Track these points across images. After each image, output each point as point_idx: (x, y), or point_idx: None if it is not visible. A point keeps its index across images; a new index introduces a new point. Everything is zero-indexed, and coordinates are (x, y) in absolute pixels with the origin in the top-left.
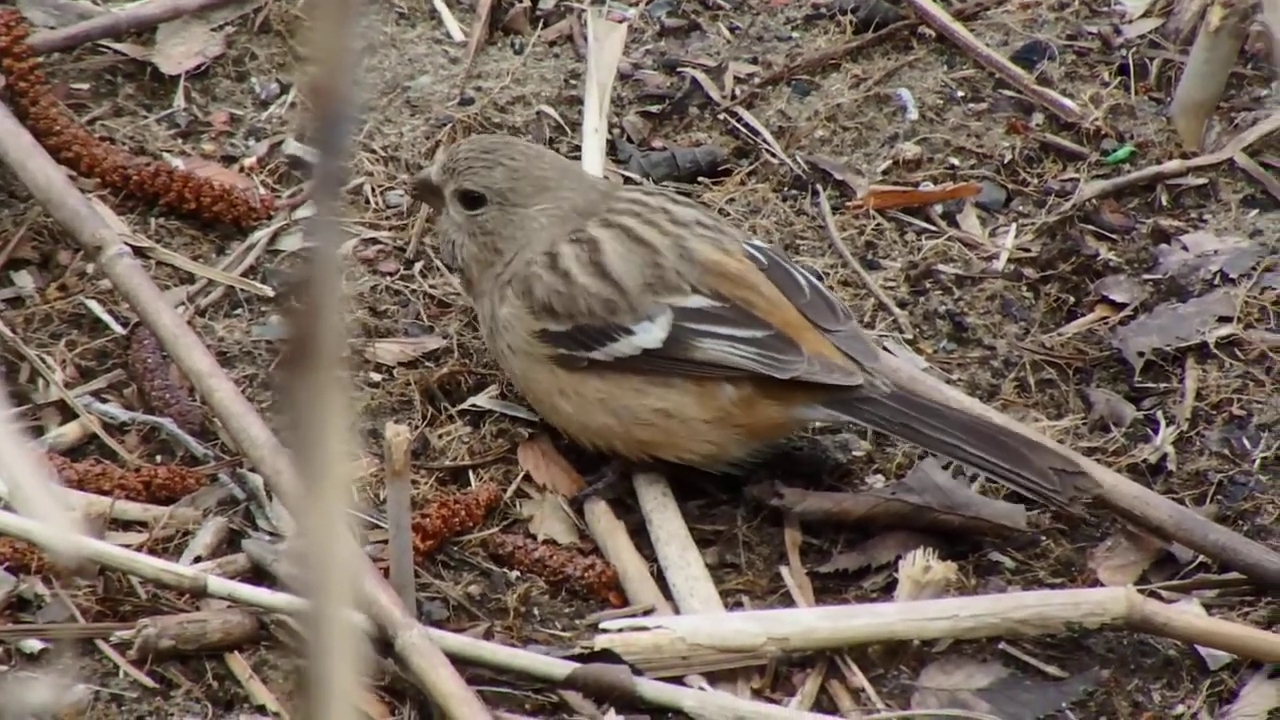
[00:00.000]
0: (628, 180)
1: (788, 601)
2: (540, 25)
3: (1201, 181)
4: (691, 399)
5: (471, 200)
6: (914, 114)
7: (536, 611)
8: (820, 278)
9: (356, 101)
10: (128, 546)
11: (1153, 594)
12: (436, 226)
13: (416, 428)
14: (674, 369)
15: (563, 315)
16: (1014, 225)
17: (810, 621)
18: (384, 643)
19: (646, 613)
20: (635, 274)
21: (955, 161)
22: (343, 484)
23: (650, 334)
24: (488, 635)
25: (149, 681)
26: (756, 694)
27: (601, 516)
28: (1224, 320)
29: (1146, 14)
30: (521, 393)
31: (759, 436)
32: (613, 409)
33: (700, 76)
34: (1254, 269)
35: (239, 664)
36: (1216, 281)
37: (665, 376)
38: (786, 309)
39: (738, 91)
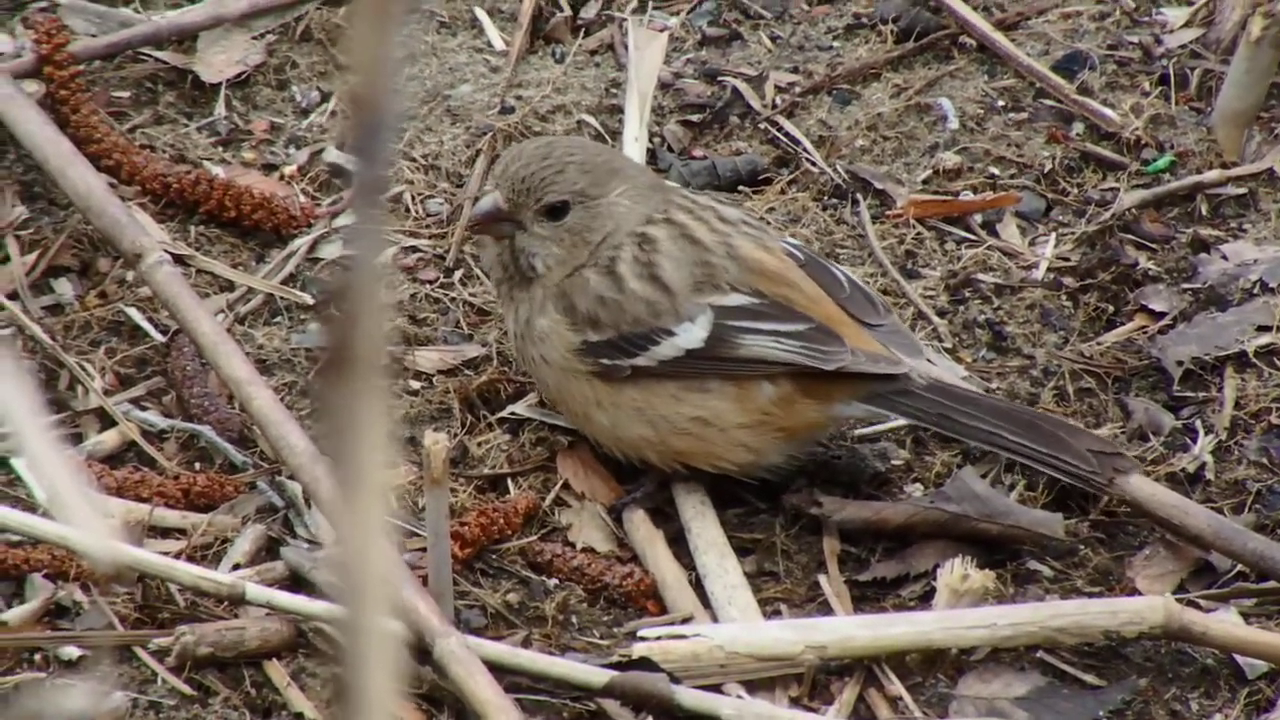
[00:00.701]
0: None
1: (826, 610)
2: (581, 34)
3: (1241, 191)
4: (730, 403)
5: (557, 211)
6: (954, 123)
7: (575, 619)
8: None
9: (397, 110)
10: (166, 554)
11: (1190, 603)
12: (516, 244)
13: (455, 436)
14: (715, 369)
15: (606, 325)
16: (1054, 235)
17: (848, 630)
18: (422, 650)
19: (685, 621)
20: (685, 275)
21: (995, 171)
22: (381, 492)
23: (691, 334)
24: (526, 643)
25: (187, 689)
26: (794, 702)
27: (640, 525)
28: (1263, 329)
29: (1187, 24)
30: (552, 402)
31: (796, 438)
32: (649, 419)
33: (741, 85)
34: None
35: (277, 671)
36: (1256, 291)
37: (703, 380)
38: (827, 304)
39: (778, 101)
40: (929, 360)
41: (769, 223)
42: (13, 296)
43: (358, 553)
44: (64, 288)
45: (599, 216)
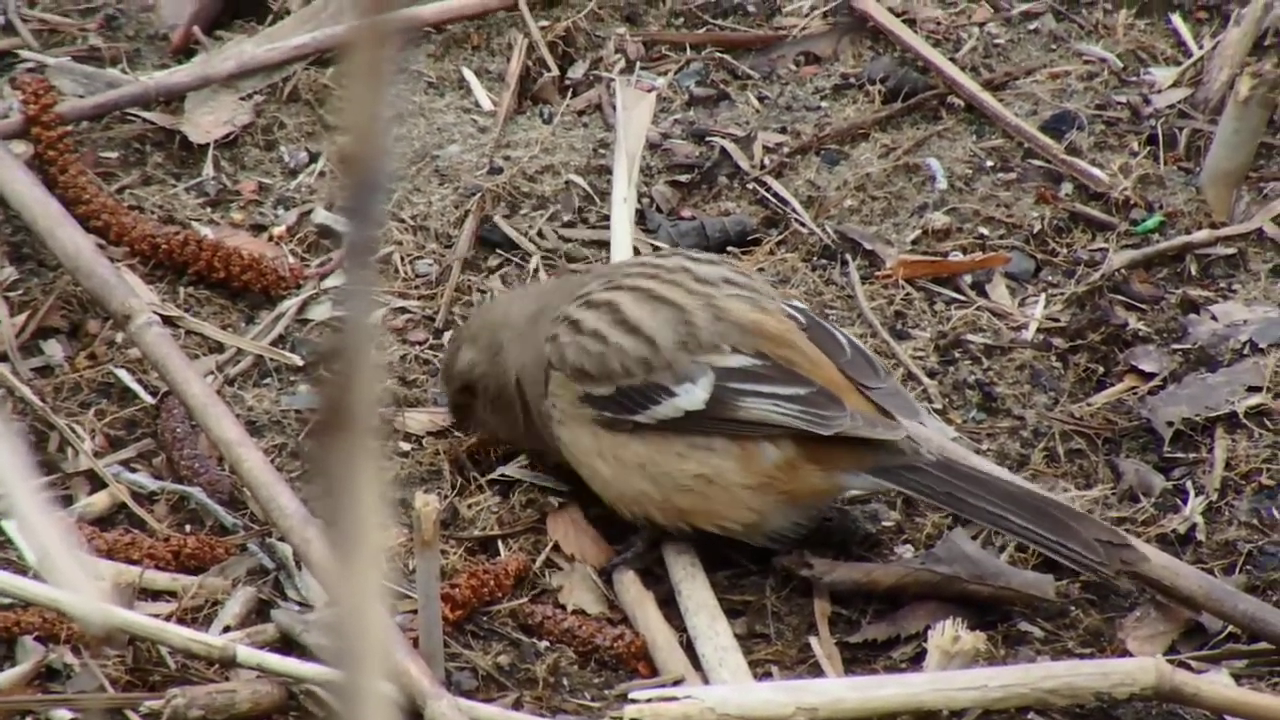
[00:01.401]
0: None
1: (817, 671)
2: (569, 94)
3: (1231, 251)
4: (733, 463)
5: (469, 389)
6: (943, 183)
7: (566, 681)
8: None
9: (387, 170)
10: (157, 616)
11: (1182, 664)
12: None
13: (446, 497)
14: (717, 429)
15: (600, 377)
16: (1043, 295)
17: (839, 692)
18: (414, 713)
19: (676, 683)
20: (666, 330)
21: (984, 231)
22: (376, 554)
23: (692, 395)
24: (517, 705)
25: None
26: None
27: (630, 586)
28: (1253, 390)
29: (1175, 84)
30: (567, 460)
31: (801, 503)
32: (652, 475)
33: (729, 146)
34: None
35: None
36: (1246, 351)
37: (707, 439)
38: (828, 367)
39: (767, 161)
40: (923, 423)
41: (768, 281)
42: (2, 358)
43: (353, 615)
44: (53, 349)
45: (504, 363)
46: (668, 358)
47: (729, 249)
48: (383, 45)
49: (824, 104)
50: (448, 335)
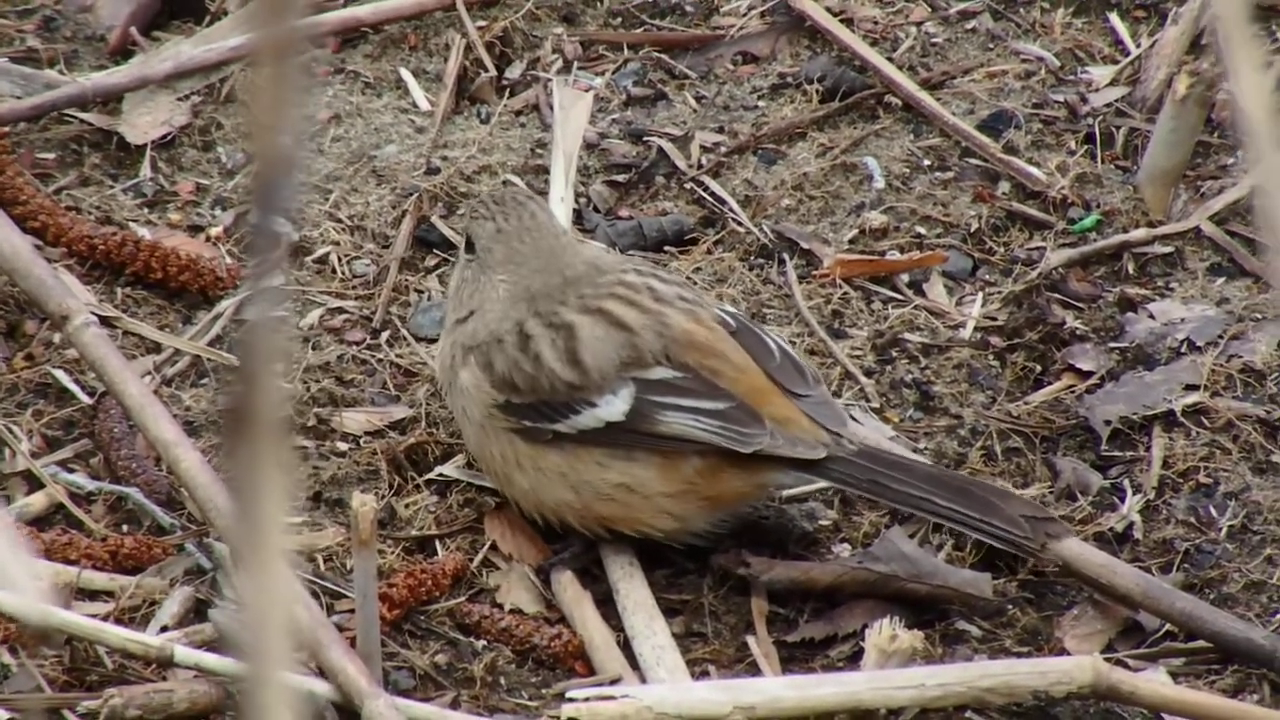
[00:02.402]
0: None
1: (754, 670)
2: (507, 94)
3: (1168, 250)
4: (654, 472)
5: (468, 245)
6: (880, 183)
7: (503, 681)
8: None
9: (294, 176)
10: (94, 616)
11: (1119, 662)
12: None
13: (383, 497)
14: (637, 442)
15: (525, 391)
16: (980, 294)
17: (777, 691)
18: (351, 712)
19: (613, 682)
20: (610, 358)
21: (922, 230)
22: (280, 551)
23: (613, 406)
24: (454, 704)
25: None
26: None
27: (568, 586)
28: (1191, 388)
29: (1113, 83)
30: (475, 459)
31: (724, 506)
32: (573, 484)
33: (667, 145)
34: (1220, 337)
35: None
36: (1183, 350)
37: (628, 449)
38: (754, 374)
39: (704, 160)
40: (854, 419)
41: (696, 285)
42: None
43: (258, 610)
44: None
45: (480, 283)
46: (598, 380)
47: (666, 249)
48: (286, 54)
49: (761, 103)
50: (385, 335)
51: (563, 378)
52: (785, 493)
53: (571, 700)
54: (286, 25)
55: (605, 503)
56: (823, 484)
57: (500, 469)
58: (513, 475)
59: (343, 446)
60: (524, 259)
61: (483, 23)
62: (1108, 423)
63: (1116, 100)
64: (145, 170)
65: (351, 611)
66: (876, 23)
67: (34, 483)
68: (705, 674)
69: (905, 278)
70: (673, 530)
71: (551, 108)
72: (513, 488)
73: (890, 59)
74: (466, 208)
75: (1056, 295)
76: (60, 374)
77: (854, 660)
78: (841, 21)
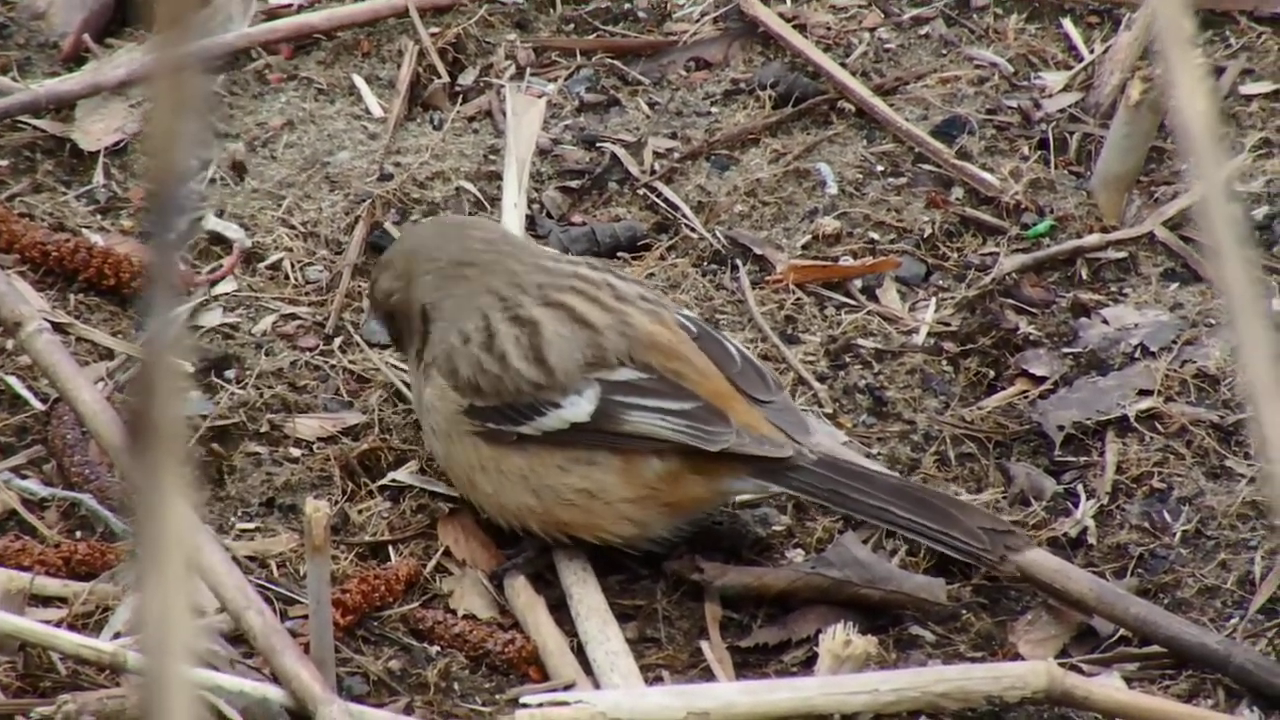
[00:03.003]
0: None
1: (708, 676)
2: (459, 101)
3: (1122, 255)
4: (616, 476)
5: (391, 316)
6: (833, 188)
7: (457, 686)
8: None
9: (187, 193)
10: (47, 622)
11: (1073, 667)
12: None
13: (336, 503)
14: (601, 442)
15: (489, 394)
16: (934, 299)
17: (731, 696)
18: (304, 718)
19: (567, 688)
20: (574, 354)
21: (875, 236)
22: (182, 560)
23: (578, 407)
24: (408, 710)
25: None
26: None
27: (521, 591)
28: (1144, 394)
29: (1066, 88)
30: (443, 470)
31: (684, 512)
32: (534, 488)
33: (620, 151)
34: (1174, 342)
35: None
36: (1137, 355)
37: (590, 453)
38: (717, 379)
39: (657, 166)
40: (816, 441)
41: (664, 292)
42: None
43: (158, 610)
44: None
45: (410, 319)
46: (563, 381)
47: (619, 254)
48: (184, 72)
49: (714, 109)
50: (338, 341)
51: (528, 378)
52: (739, 498)
53: (525, 706)
54: (184, 44)
55: (566, 508)
56: (782, 492)
57: (464, 473)
58: (476, 479)
59: (296, 452)
60: (468, 260)
61: (436, 29)
62: (1061, 428)
63: (1070, 106)
64: (98, 177)
65: (305, 617)
66: (829, 29)
67: None
68: (659, 679)
69: (858, 283)
70: (632, 536)
71: (504, 114)
72: (476, 492)
73: (843, 65)
74: (367, 301)
75: (1010, 301)
76: (13, 380)
77: (808, 666)
78: (794, 27)
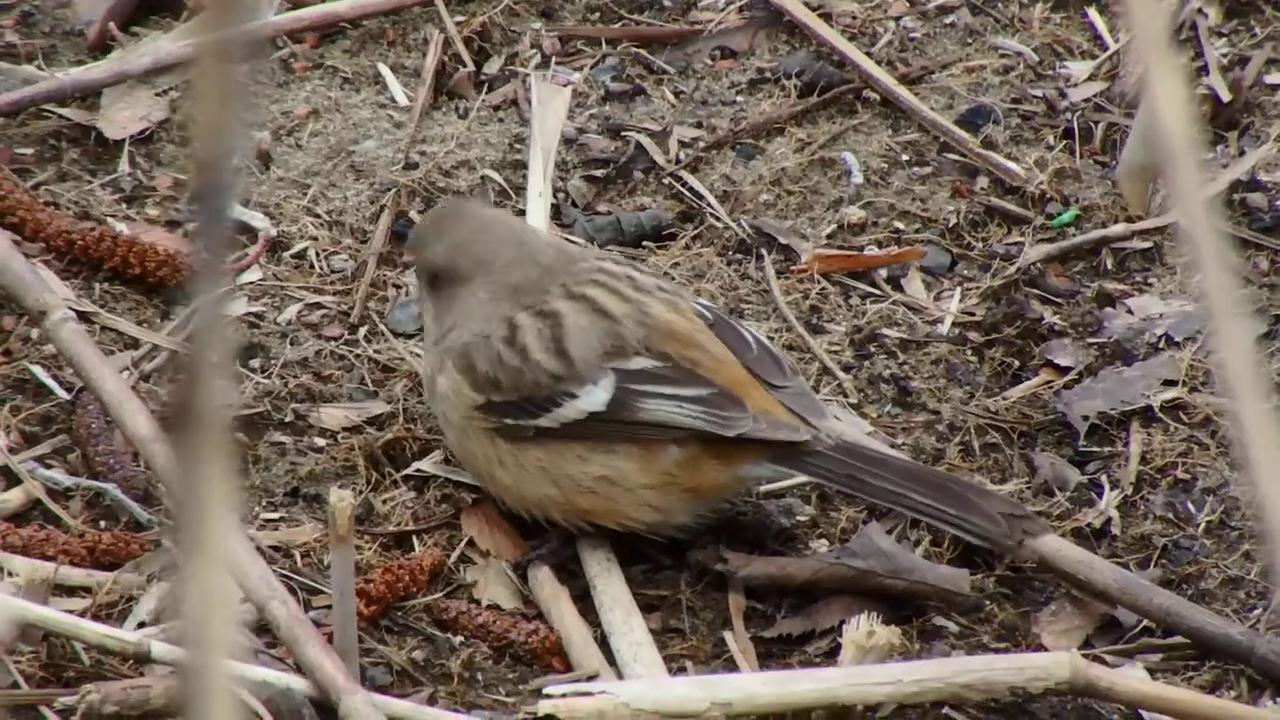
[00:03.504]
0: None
1: (731, 667)
2: (485, 89)
3: (1147, 245)
4: (635, 463)
5: (431, 279)
6: (859, 178)
7: (480, 677)
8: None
9: (233, 179)
10: (71, 612)
11: (1097, 658)
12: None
13: (360, 493)
14: (618, 431)
15: (508, 388)
16: (959, 289)
17: (754, 687)
18: (328, 708)
19: (590, 678)
20: (594, 344)
21: (900, 225)
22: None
23: (594, 397)
24: (431, 701)
25: None
26: None
27: (545, 582)
28: (1169, 384)
29: (1091, 78)
30: (458, 460)
31: (704, 498)
32: (554, 478)
33: (645, 140)
34: (1199, 332)
35: None
36: (1161, 345)
37: (608, 442)
38: (733, 366)
39: (682, 155)
40: (835, 419)
41: (674, 280)
42: None
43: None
44: None
45: (455, 301)
46: (581, 371)
47: (644, 244)
48: (229, 58)
49: (739, 98)
50: (363, 331)
51: (548, 369)
52: (763, 488)
53: (548, 696)
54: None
55: (587, 496)
56: (800, 478)
57: (482, 468)
58: (495, 473)
59: (320, 442)
60: (493, 257)
61: (461, 18)
62: (1085, 418)
63: (1095, 95)
64: (123, 165)
65: (329, 607)
66: (855, 18)
67: (11, 479)
68: (682, 670)
69: (883, 273)
70: (654, 522)
71: (529, 103)
72: (495, 485)
73: (869, 54)
74: (406, 247)
75: (1035, 291)
76: (38, 370)
77: (831, 656)
78: (820, 16)
